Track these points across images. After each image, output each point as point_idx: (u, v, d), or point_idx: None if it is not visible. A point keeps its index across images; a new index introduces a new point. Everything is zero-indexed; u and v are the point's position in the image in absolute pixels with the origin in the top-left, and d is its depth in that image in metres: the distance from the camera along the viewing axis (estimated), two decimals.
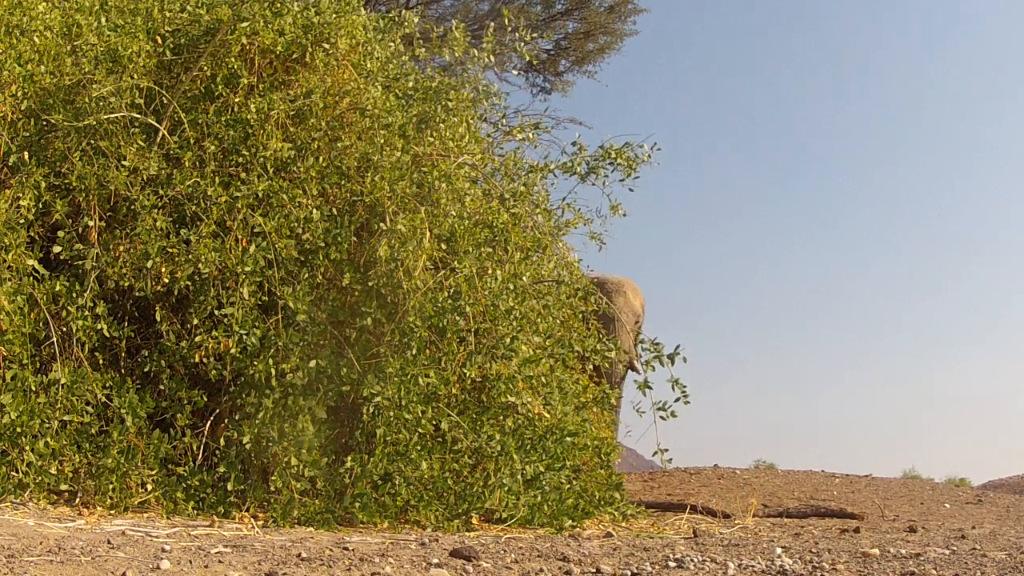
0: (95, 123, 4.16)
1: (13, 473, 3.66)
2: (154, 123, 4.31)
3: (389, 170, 4.45)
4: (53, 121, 4.20)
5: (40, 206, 4.07)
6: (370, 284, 4.24)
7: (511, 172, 5.48)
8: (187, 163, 4.25)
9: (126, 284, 4.05)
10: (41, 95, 4.30)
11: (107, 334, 4.03)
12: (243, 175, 4.32)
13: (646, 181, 7.36)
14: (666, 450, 5.49)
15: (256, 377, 3.97)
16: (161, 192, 4.21)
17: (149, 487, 3.82)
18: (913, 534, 4.60)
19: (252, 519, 3.74)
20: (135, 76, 4.29)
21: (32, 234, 4.07)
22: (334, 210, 4.45)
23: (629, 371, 7.73)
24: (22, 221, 3.99)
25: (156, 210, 4.14)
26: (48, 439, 3.73)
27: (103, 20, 4.48)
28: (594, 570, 2.72)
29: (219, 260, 4.07)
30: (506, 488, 4.10)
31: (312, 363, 4.04)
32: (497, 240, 4.82)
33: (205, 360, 4.01)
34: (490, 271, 4.51)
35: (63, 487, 3.77)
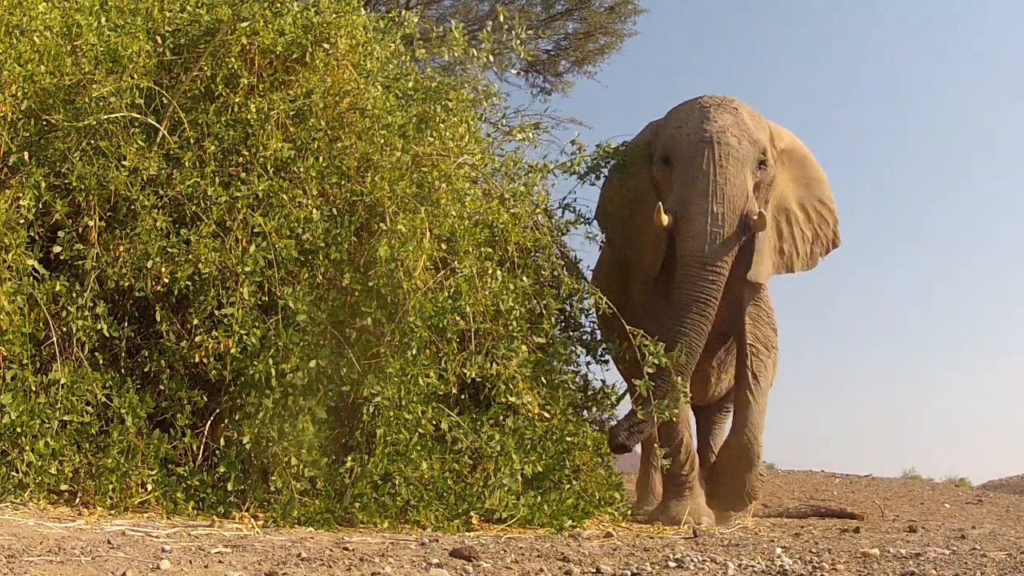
0: (95, 123, 4.16)
1: (13, 473, 3.66)
2: (154, 123, 4.31)
3: (389, 170, 4.45)
4: (53, 121, 4.20)
5: (40, 206, 4.07)
6: (370, 284, 4.24)
7: (511, 172, 5.48)
8: (187, 163, 4.25)
9: (126, 284, 4.05)
10: (41, 95, 4.29)
11: (107, 334, 4.03)
12: (243, 175, 4.32)
13: None
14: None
15: (256, 377, 3.97)
16: (161, 192, 4.20)
17: (149, 487, 3.82)
18: (913, 534, 4.60)
19: (252, 519, 3.74)
20: (135, 76, 4.29)
21: (32, 234, 4.07)
22: (334, 210, 4.45)
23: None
24: (22, 221, 3.98)
25: (156, 210, 4.13)
26: (48, 439, 3.73)
27: (103, 20, 4.48)
28: (594, 570, 2.72)
29: (219, 260, 4.07)
30: (506, 488, 4.10)
31: (312, 363, 4.04)
32: (497, 240, 4.82)
33: (205, 360, 4.01)
34: (490, 271, 4.51)
35: (63, 487, 3.77)
